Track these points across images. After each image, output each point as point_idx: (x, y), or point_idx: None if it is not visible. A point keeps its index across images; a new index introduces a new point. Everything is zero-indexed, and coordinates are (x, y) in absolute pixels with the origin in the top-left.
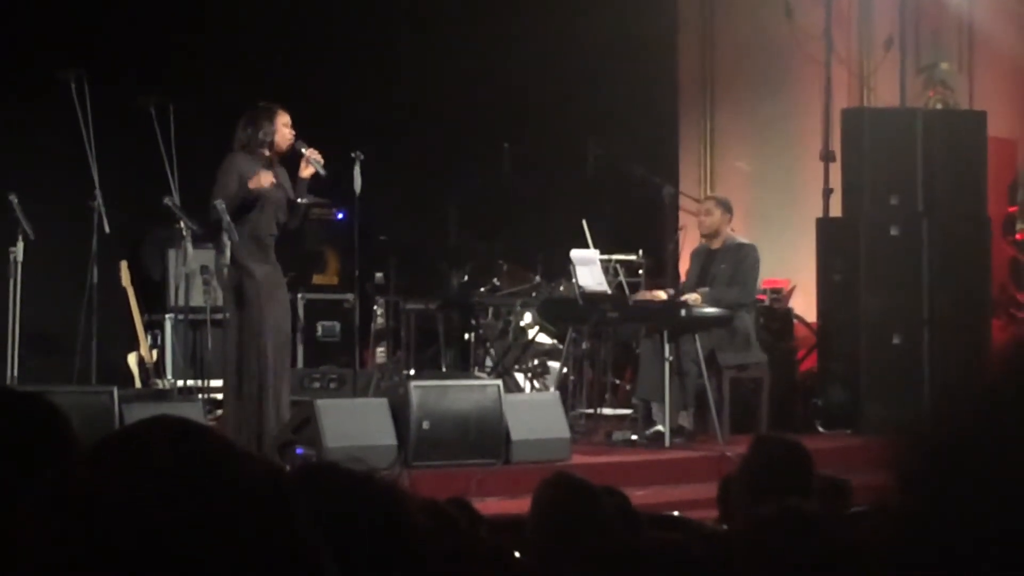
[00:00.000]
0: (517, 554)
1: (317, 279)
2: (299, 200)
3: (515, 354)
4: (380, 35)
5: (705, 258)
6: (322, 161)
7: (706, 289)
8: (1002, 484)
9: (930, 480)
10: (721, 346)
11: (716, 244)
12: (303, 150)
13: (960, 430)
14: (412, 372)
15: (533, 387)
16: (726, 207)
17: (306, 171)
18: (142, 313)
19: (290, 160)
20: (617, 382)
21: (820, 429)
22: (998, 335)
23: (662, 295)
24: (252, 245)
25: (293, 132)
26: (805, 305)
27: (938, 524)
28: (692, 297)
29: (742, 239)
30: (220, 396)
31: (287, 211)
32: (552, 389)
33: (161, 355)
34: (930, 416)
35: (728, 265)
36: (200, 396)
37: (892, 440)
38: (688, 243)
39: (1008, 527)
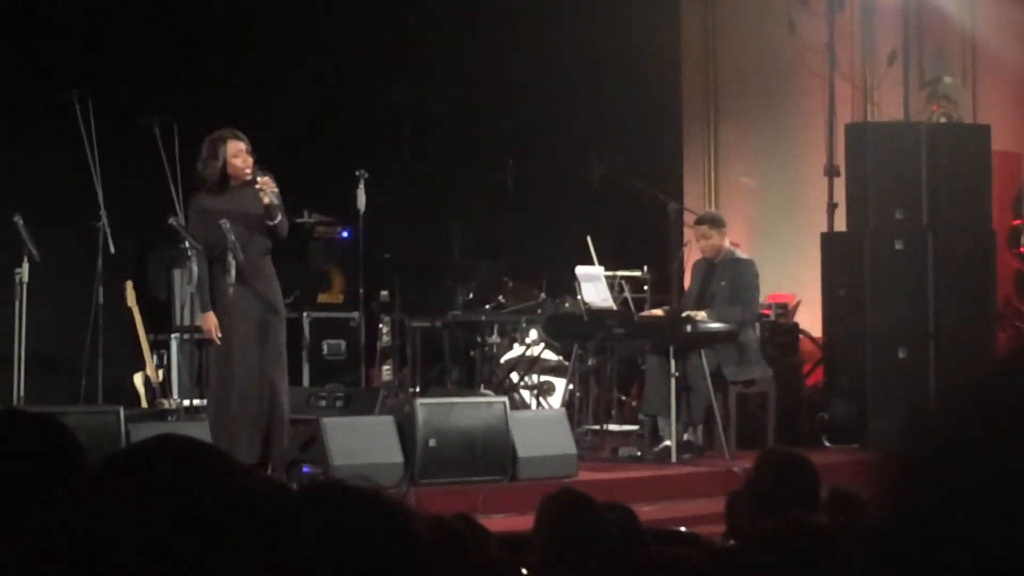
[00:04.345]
0: (524, 571)
1: (322, 297)
2: (270, 223)
3: (521, 371)
4: (383, 53)
5: (705, 272)
6: (276, 190)
7: (710, 311)
8: (970, 502)
9: (900, 496)
10: (726, 361)
11: (716, 260)
12: (256, 179)
13: (931, 445)
14: (418, 390)
15: (539, 404)
16: (718, 223)
17: (265, 200)
18: (148, 333)
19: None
20: (623, 398)
21: (826, 443)
22: (1003, 348)
23: (659, 313)
24: (217, 265)
25: (248, 159)
26: (810, 320)
27: (906, 541)
28: (699, 315)
29: (740, 254)
30: None
31: (264, 232)
32: (558, 406)
33: (167, 375)
34: (905, 431)
35: (727, 282)
36: (206, 415)
37: (876, 455)
38: (692, 258)
39: (974, 546)
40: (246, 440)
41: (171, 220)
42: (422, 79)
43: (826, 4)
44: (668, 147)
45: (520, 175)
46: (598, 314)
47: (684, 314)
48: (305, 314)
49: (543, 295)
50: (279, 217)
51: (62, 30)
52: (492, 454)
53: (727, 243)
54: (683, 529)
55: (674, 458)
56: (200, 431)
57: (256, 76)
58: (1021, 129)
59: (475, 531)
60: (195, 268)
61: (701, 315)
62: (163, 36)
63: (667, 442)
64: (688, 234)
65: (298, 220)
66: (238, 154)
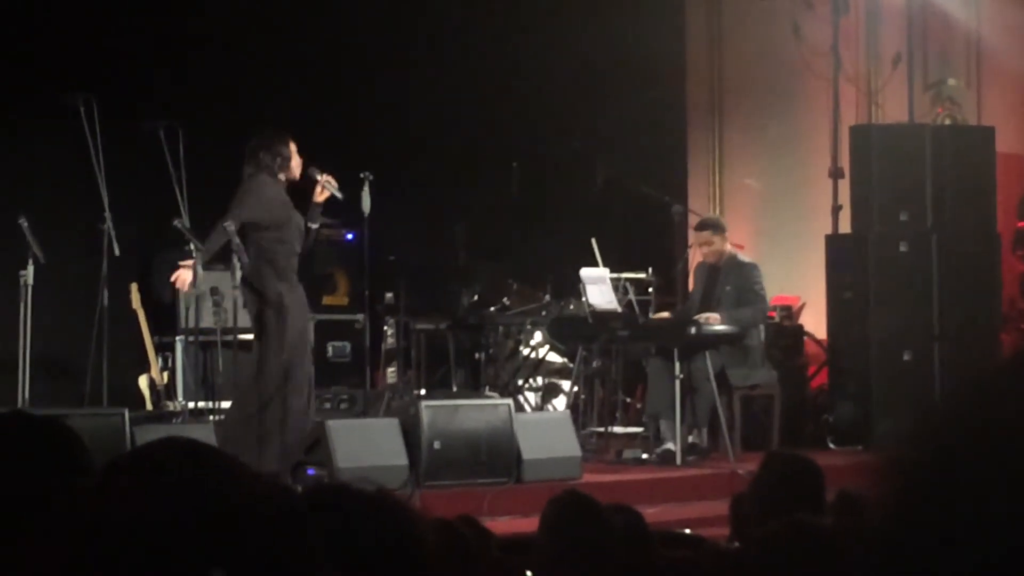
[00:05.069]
0: (529, 573)
1: (327, 300)
2: (312, 225)
3: (525, 373)
4: (388, 56)
5: (708, 276)
6: (337, 184)
7: (724, 314)
8: (973, 504)
9: (903, 498)
10: (731, 364)
11: (719, 264)
12: (317, 176)
13: (935, 448)
14: (423, 392)
15: (543, 406)
16: (719, 228)
17: (321, 196)
18: (152, 335)
19: (294, 188)
20: (628, 400)
21: (831, 446)
22: (1008, 350)
23: (666, 316)
24: (268, 268)
25: (302, 160)
26: (815, 322)
27: (909, 543)
28: (713, 317)
29: (742, 257)
30: None
31: (301, 234)
32: (562, 408)
33: (172, 377)
34: (909, 433)
35: (733, 287)
36: (211, 418)
37: (880, 457)
38: (697, 260)
39: (978, 548)
40: (279, 445)
41: (176, 222)
42: (428, 82)
43: (830, 7)
44: (673, 150)
45: (525, 178)
46: (603, 316)
47: (701, 316)
48: (310, 316)
49: (548, 297)
50: (319, 222)
51: (67, 33)
52: (497, 456)
53: (728, 247)
54: (688, 531)
55: (679, 460)
56: (205, 433)
57: (261, 80)
58: None
59: (478, 533)
60: (199, 270)
61: (715, 317)
62: (168, 40)
63: (668, 444)
64: (693, 236)
65: (316, 227)
66: (295, 154)
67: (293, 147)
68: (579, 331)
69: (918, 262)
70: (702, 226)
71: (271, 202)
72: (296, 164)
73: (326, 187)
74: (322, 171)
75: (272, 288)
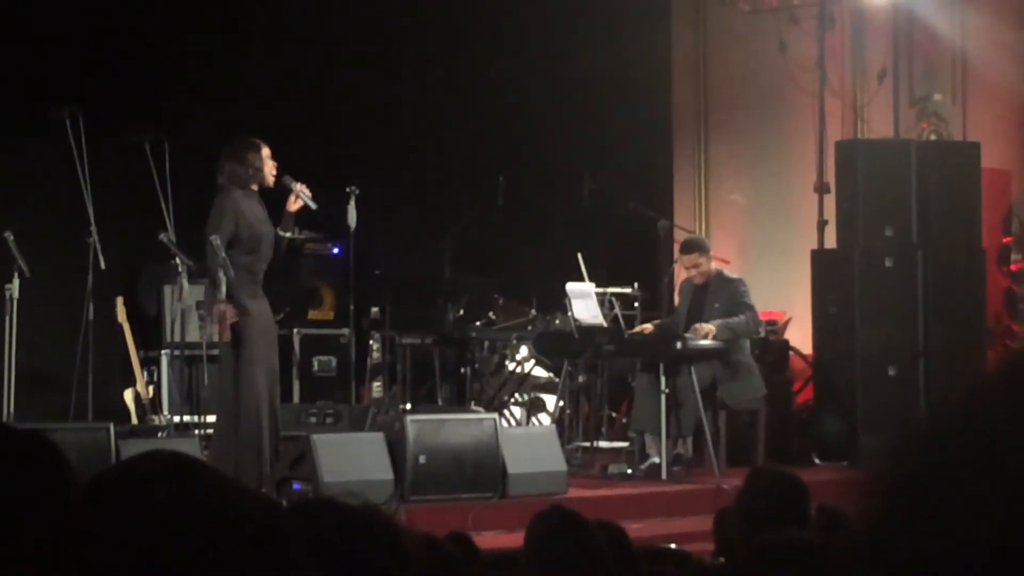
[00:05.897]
0: None
1: (313, 314)
2: (283, 234)
3: (511, 388)
4: (375, 71)
5: (694, 293)
6: (311, 194)
7: (719, 322)
8: (957, 518)
9: (887, 512)
10: (722, 379)
11: (706, 281)
12: (292, 185)
13: (920, 462)
14: (408, 406)
15: (529, 421)
16: (705, 249)
17: (294, 205)
18: (138, 349)
19: (270, 193)
20: (613, 415)
21: (816, 461)
22: (993, 366)
23: (649, 328)
24: (247, 280)
25: (276, 165)
26: (801, 337)
27: (893, 557)
28: (707, 328)
29: (728, 273)
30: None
31: (273, 243)
32: (548, 422)
33: (157, 391)
34: (894, 447)
35: (721, 304)
36: (196, 432)
37: (864, 471)
38: (682, 275)
39: (962, 561)
40: (263, 455)
41: (161, 236)
42: (414, 95)
43: (816, 22)
44: (659, 165)
45: (511, 192)
46: (588, 331)
47: (697, 326)
48: (295, 330)
49: (534, 312)
50: (291, 231)
51: (53, 46)
52: (482, 471)
53: (714, 264)
54: (673, 546)
55: (664, 475)
56: (190, 447)
57: (247, 93)
58: (1011, 146)
59: (468, 550)
60: (185, 284)
61: (710, 327)
62: (154, 52)
63: (653, 459)
64: (678, 258)
65: (289, 236)
66: (268, 160)
67: (266, 153)
68: (565, 346)
69: (903, 277)
70: (688, 248)
71: (243, 217)
72: (269, 170)
73: (300, 196)
74: (296, 179)
75: (246, 300)
